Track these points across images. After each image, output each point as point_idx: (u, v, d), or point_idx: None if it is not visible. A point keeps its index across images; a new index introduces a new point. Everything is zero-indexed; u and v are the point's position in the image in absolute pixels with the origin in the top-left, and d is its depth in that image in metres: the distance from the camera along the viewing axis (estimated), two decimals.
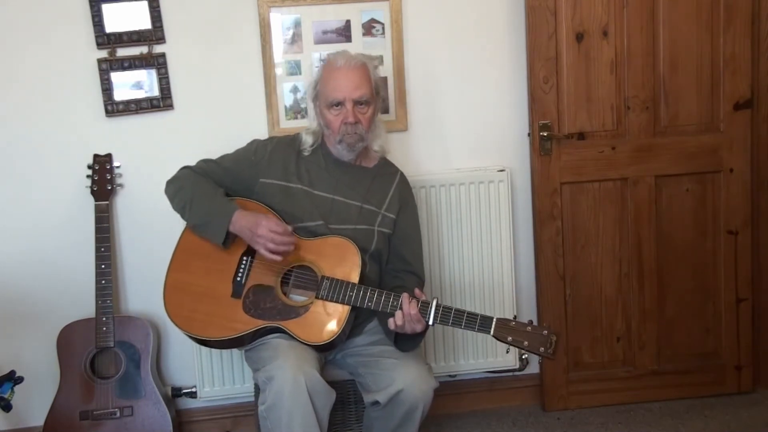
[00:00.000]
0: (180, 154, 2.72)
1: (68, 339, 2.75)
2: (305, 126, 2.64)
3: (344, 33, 2.84)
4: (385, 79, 2.86)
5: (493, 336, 2.21)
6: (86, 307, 2.78)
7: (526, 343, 2.19)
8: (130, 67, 2.78)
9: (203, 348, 2.71)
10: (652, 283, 3.00)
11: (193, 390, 2.91)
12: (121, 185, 2.83)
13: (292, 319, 2.30)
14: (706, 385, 3.07)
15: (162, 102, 2.81)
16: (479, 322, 2.21)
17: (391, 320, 2.24)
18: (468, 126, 2.95)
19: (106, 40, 2.75)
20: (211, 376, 2.87)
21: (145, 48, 2.77)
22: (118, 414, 2.73)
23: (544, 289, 2.98)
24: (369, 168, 2.51)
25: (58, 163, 2.81)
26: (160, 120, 2.83)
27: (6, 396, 2.49)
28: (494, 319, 2.20)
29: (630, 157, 2.92)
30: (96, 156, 2.80)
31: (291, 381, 2.14)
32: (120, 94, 2.79)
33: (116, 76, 2.77)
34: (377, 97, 2.45)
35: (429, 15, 2.87)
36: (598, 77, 2.88)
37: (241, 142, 2.56)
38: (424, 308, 2.23)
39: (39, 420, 2.79)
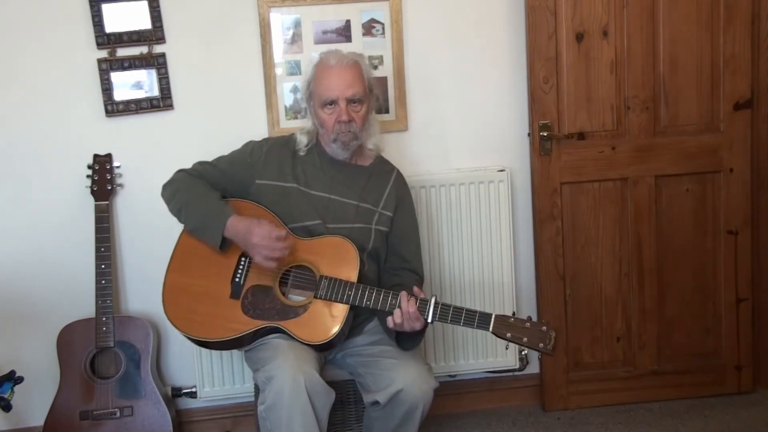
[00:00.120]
0: (180, 154, 2.72)
1: (68, 339, 2.75)
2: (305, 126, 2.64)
3: (344, 33, 2.84)
4: (384, 78, 2.87)
5: (492, 332, 2.20)
6: (86, 307, 2.78)
7: (525, 339, 2.19)
8: (130, 67, 2.78)
9: (203, 348, 2.71)
10: (652, 283, 3.00)
11: (193, 390, 2.91)
12: (121, 185, 2.84)
13: (291, 319, 2.30)
14: (706, 385, 3.07)
15: (162, 102, 2.81)
16: (478, 319, 2.21)
17: (389, 318, 2.24)
18: (468, 126, 2.95)
19: (106, 40, 2.75)
20: (211, 376, 2.87)
21: (145, 48, 2.78)
22: (118, 414, 2.73)
23: (544, 289, 2.98)
24: (365, 166, 2.51)
25: (58, 163, 2.81)
26: (160, 120, 2.83)
27: (6, 396, 2.49)
28: (493, 316, 2.20)
29: (630, 157, 2.92)
30: (96, 156, 2.80)
31: (290, 381, 2.14)
32: (120, 94, 2.79)
33: (116, 76, 2.77)
34: (370, 95, 2.45)
35: (429, 15, 2.87)
36: (598, 77, 2.88)
37: (241, 142, 2.56)
38: (422, 306, 2.23)
39: (39, 420, 2.79)
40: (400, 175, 2.57)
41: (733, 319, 3.04)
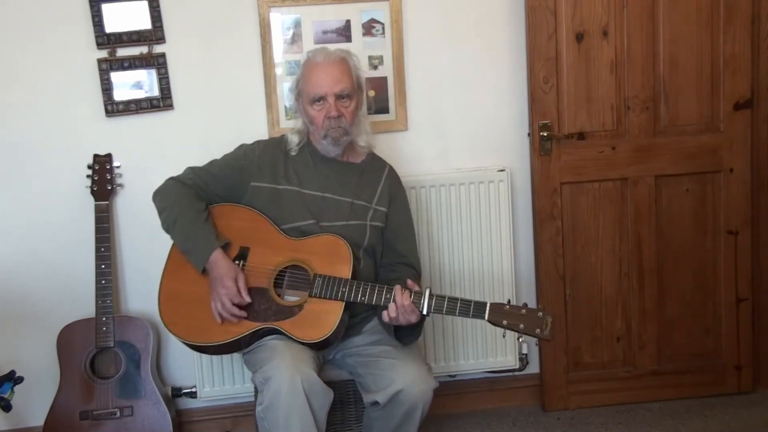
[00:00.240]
0: (180, 154, 2.72)
1: (68, 339, 2.75)
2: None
3: (344, 33, 2.84)
4: (384, 78, 2.87)
5: (488, 321, 2.19)
6: (86, 307, 2.78)
7: (521, 326, 2.18)
8: (130, 67, 2.78)
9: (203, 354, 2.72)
10: (652, 283, 3.00)
11: (193, 390, 2.91)
12: (121, 185, 2.83)
13: (287, 319, 2.30)
14: (706, 385, 3.07)
15: (162, 102, 2.81)
16: (473, 308, 2.21)
17: (384, 312, 2.24)
18: (468, 126, 2.95)
19: (106, 40, 2.75)
20: (211, 376, 2.87)
21: (145, 48, 2.77)
22: (118, 414, 2.73)
23: (544, 289, 2.98)
24: (357, 163, 2.51)
25: (58, 163, 2.81)
26: (160, 120, 2.83)
27: (6, 396, 2.49)
28: (488, 304, 2.20)
29: (630, 157, 2.92)
30: (96, 156, 2.80)
31: (288, 381, 2.14)
32: (120, 94, 2.79)
33: (116, 76, 2.77)
34: (359, 91, 2.45)
35: (429, 15, 2.87)
36: (598, 77, 2.88)
37: (240, 142, 2.56)
38: (417, 298, 2.22)
39: (39, 420, 2.79)
40: (392, 171, 2.57)
41: (733, 319, 3.04)
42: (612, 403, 3.05)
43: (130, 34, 2.76)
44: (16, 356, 2.85)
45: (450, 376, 3.02)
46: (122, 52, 2.77)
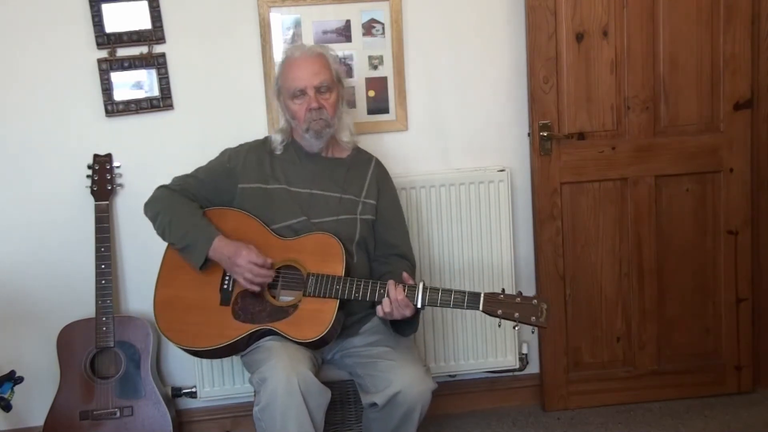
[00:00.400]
0: (180, 154, 2.73)
1: (68, 339, 2.75)
2: None
3: (344, 33, 2.84)
4: (384, 78, 2.87)
5: (483, 311, 2.19)
6: (86, 307, 2.78)
7: (516, 314, 2.18)
8: (130, 67, 2.78)
9: (202, 358, 2.72)
10: (652, 283, 3.00)
11: (193, 390, 2.91)
12: (121, 185, 2.84)
13: (282, 319, 2.30)
14: (706, 385, 3.07)
15: (162, 102, 2.81)
16: (468, 299, 2.20)
17: (378, 308, 2.24)
18: (468, 126, 2.95)
19: (106, 40, 2.75)
20: (211, 376, 2.87)
21: (145, 48, 2.77)
22: (118, 414, 2.73)
23: (544, 289, 2.98)
24: (342, 158, 2.52)
25: (58, 163, 2.81)
26: (160, 120, 2.83)
27: (6, 396, 2.49)
28: (482, 294, 2.20)
29: (630, 157, 2.92)
30: (96, 156, 2.80)
31: (284, 382, 2.14)
32: (120, 94, 2.79)
33: (116, 76, 2.77)
34: (339, 85, 2.46)
35: (429, 15, 2.87)
36: (598, 77, 2.88)
37: (240, 142, 2.56)
38: (411, 292, 2.22)
39: (39, 420, 2.79)
40: (378, 163, 2.58)
41: (733, 319, 3.04)
42: (612, 403, 3.05)
43: (130, 34, 2.76)
44: (16, 356, 2.85)
45: (450, 376, 3.02)
46: (122, 52, 2.77)
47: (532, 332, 3.04)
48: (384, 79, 2.87)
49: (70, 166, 2.80)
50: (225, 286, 2.37)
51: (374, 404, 2.28)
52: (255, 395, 2.27)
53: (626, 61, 2.87)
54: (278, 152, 2.49)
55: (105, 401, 2.74)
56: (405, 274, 2.27)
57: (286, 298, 2.34)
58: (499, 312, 2.18)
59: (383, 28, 2.85)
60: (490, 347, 2.97)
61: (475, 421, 3.01)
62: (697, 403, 3.03)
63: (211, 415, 3.01)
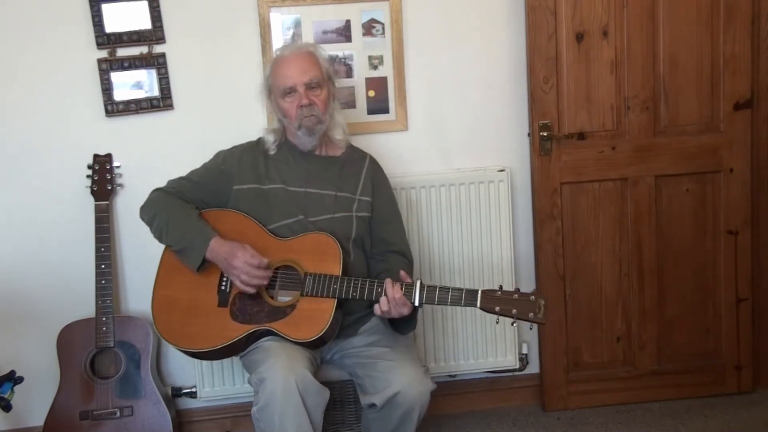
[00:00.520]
0: (180, 154, 2.73)
1: (68, 339, 2.75)
2: None
3: (344, 33, 2.84)
4: (384, 78, 2.87)
5: (481, 308, 2.19)
6: (86, 307, 2.78)
7: (514, 311, 2.17)
8: (130, 67, 2.78)
9: (202, 360, 2.72)
10: (652, 283, 3.00)
11: (193, 390, 2.91)
12: (121, 185, 2.84)
13: (280, 320, 2.30)
14: (706, 385, 3.07)
15: (162, 102, 2.81)
16: (465, 296, 2.20)
17: (376, 306, 2.24)
18: (468, 126, 2.95)
19: (106, 40, 2.75)
20: (211, 376, 2.87)
21: (145, 48, 2.78)
22: (118, 414, 2.73)
23: (544, 289, 2.98)
24: (337, 156, 2.52)
25: (58, 163, 2.81)
26: (160, 120, 2.83)
27: (6, 396, 2.49)
28: (480, 291, 2.19)
29: (630, 157, 2.92)
30: (96, 156, 2.80)
31: (282, 381, 2.14)
32: (120, 94, 2.79)
33: (116, 76, 2.77)
34: (330, 82, 2.46)
35: (429, 15, 2.87)
36: (598, 77, 2.88)
37: (240, 142, 2.56)
38: (408, 290, 2.22)
39: (39, 420, 2.79)
40: (373, 160, 2.57)
41: (733, 319, 3.04)
42: (612, 403, 3.05)
43: (130, 34, 2.76)
44: (16, 356, 2.85)
45: (450, 376, 3.02)
46: (122, 52, 2.77)
47: (530, 328, 3.03)
48: (384, 79, 2.87)
49: (70, 166, 2.80)
50: (223, 288, 2.37)
51: (373, 405, 2.27)
52: (254, 395, 2.27)
53: (626, 61, 2.87)
54: (272, 152, 2.49)
55: (105, 401, 2.74)
56: (402, 273, 2.27)
57: (283, 298, 2.34)
58: (497, 309, 2.18)
59: (383, 28, 2.85)
60: (489, 347, 2.97)
61: (475, 422, 3.01)
62: (697, 403, 3.03)
63: (211, 415, 3.01)
